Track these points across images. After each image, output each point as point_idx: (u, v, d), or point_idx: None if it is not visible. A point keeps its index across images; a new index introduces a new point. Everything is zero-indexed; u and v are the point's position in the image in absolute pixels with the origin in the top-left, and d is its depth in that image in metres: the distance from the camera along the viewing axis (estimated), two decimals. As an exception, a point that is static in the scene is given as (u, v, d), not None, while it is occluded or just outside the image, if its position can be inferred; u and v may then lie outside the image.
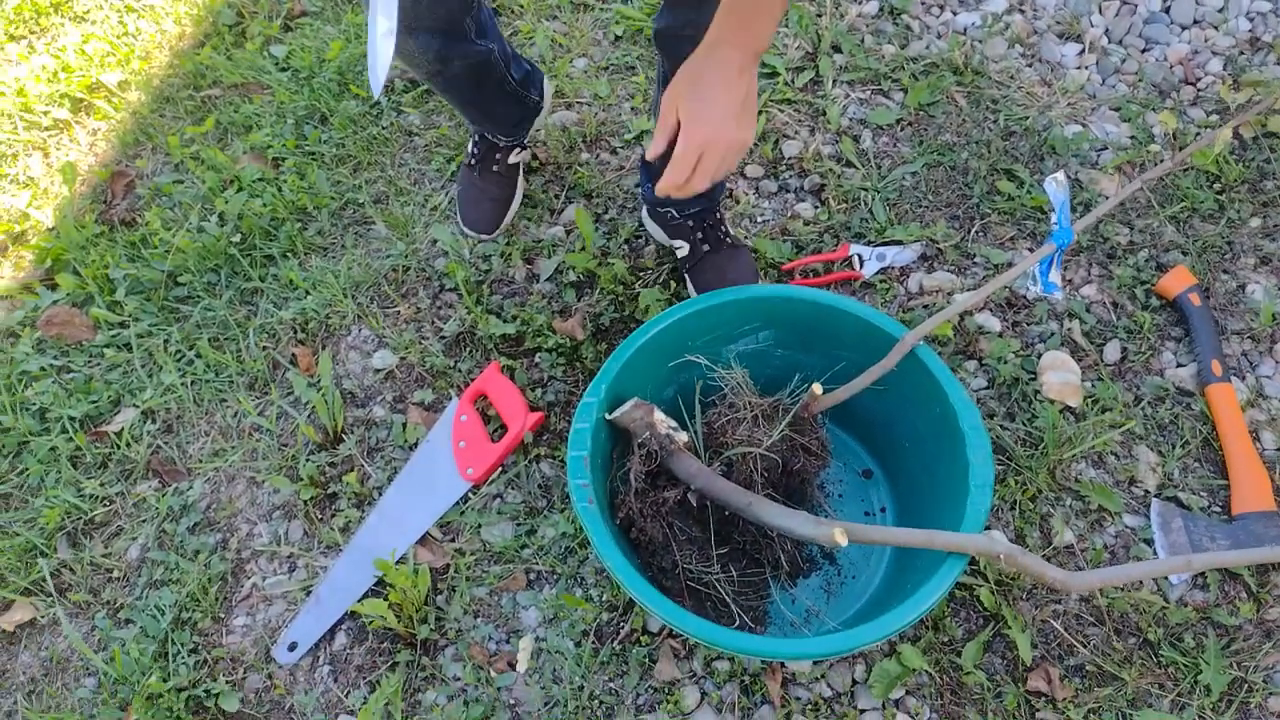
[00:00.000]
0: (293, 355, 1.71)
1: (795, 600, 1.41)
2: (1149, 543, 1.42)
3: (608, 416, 1.26)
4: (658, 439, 1.25)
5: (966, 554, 1.15)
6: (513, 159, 1.81)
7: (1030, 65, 2.06)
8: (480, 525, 1.51)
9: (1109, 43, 2.10)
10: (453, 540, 1.51)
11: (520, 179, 1.85)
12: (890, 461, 1.51)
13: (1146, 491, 1.47)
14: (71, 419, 1.67)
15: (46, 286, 1.89)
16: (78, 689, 1.43)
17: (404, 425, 1.61)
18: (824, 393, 1.33)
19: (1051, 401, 1.55)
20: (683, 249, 1.69)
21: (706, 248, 1.65)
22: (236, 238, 1.87)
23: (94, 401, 1.70)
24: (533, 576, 1.47)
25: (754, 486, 1.32)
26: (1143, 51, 2.08)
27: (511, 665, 1.40)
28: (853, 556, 1.45)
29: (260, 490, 1.59)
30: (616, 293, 1.73)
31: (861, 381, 1.36)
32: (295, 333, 1.74)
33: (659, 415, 1.27)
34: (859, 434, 1.54)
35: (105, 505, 1.60)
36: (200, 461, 1.62)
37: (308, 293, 1.79)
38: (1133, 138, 1.89)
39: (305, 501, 1.56)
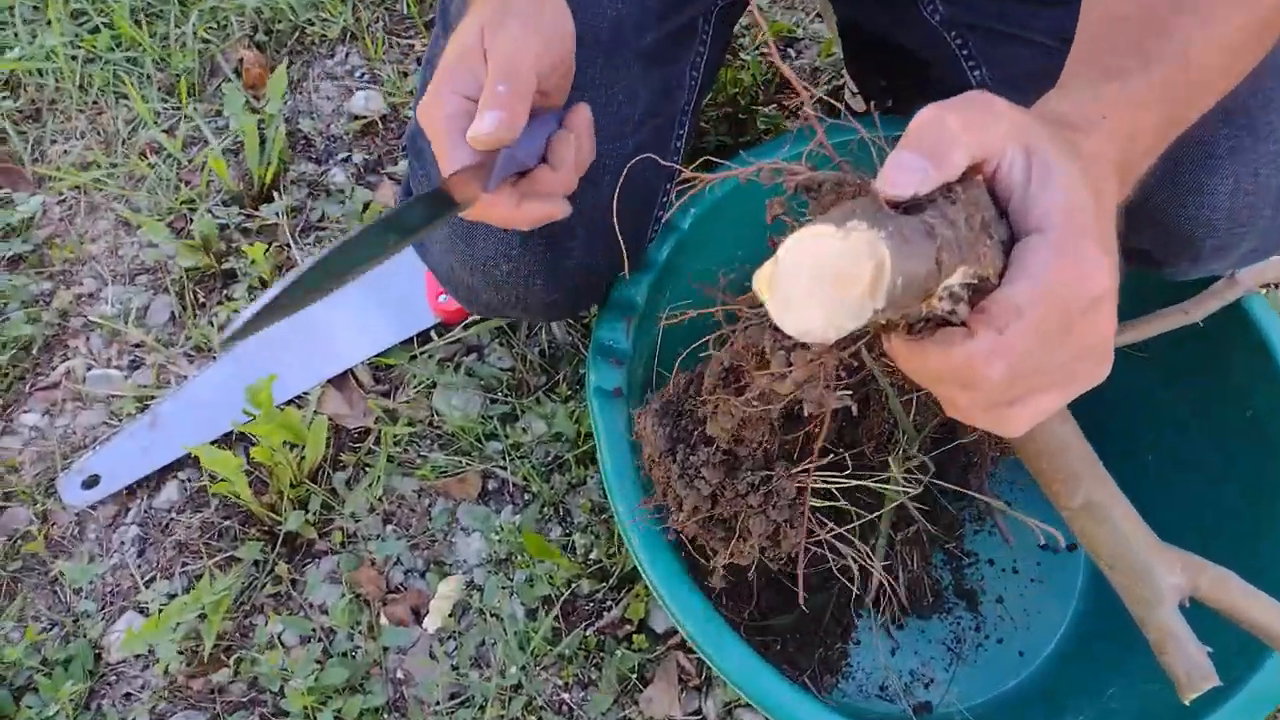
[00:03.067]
0: (240, 60, 1.13)
1: (897, 650, 0.85)
2: None
3: None
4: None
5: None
6: None
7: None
8: (435, 384, 0.94)
9: None
10: (387, 394, 0.95)
11: None
12: (1113, 461, 0.92)
13: None
14: (-102, 60, 1.11)
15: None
16: None
17: (367, 205, 1.04)
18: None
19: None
20: None
21: None
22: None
23: (-59, 46, 1.13)
24: (493, 485, 0.91)
25: (895, 454, 0.75)
26: None
27: (417, 616, 0.85)
28: (1009, 604, 0.88)
29: (129, 237, 1.03)
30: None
31: (1136, 332, 0.78)
32: (254, 31, 1.16)
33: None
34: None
35: (-98, 194, 1.05)
36: (58, 170, 1.06)
37: (293, -16, 1.20)
38: None
39: (185, 271, 1.00)
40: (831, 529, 0.63)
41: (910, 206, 0.35)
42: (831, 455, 0.69)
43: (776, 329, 0.38)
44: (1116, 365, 0.78)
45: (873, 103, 1.06)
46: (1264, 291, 0.79)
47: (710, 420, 0.54)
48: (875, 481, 0.66)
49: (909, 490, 0.69)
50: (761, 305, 0.36)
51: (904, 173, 0.35)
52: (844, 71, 1.11)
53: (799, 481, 0.56)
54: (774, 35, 1.19)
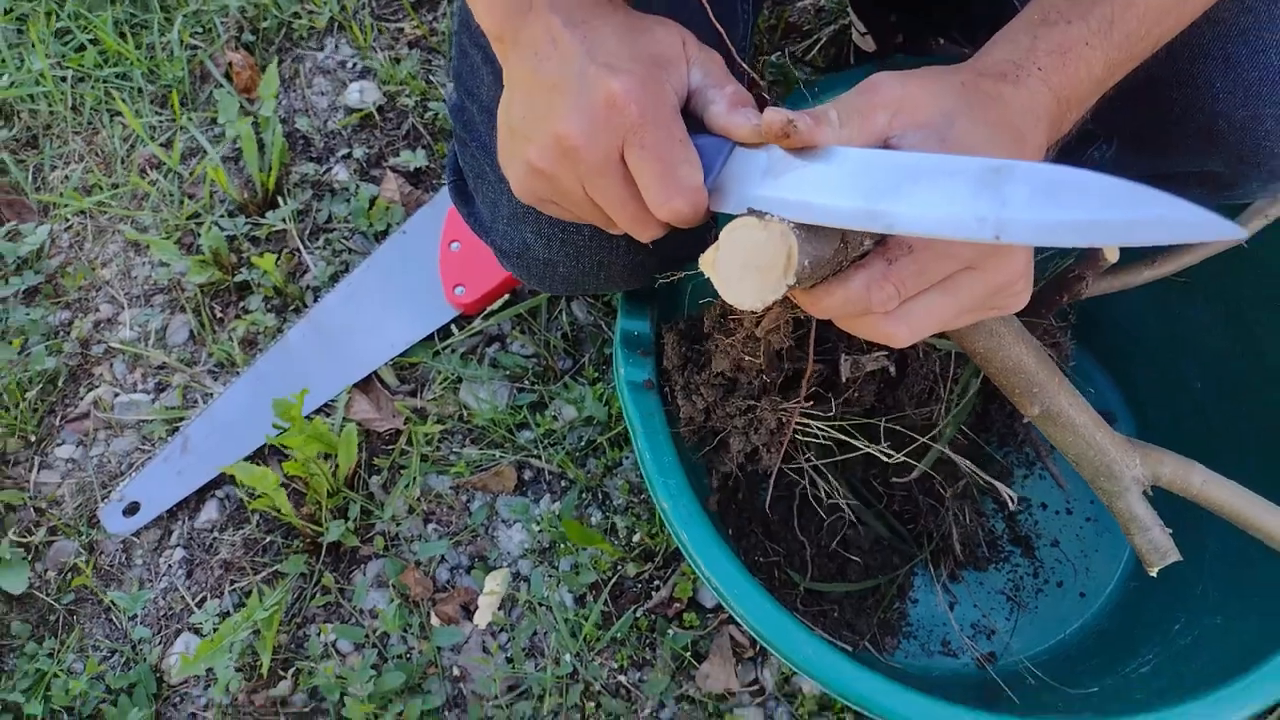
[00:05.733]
0: (229, 64, 1.11)
1: (956, 605, 0.83)
2: None
3: None
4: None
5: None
6: None
7: None
8: (461, 378, 0.93)
9: None
10: (413, 393, 0.94)
11: None
12: (1156, 410, 0.89)
13: None
14: (-109, 100, 1.10)
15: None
16: None
17: (373, 200, 1.02)
18: (1114, 265, 0.70)
19: None
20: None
21: None
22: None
23: (-69, 82, 1.12)
24: (529, 476, 0.90)
25: (936, 409, 0.73)
26: None
27: (467, 613, 0.85)
28: (1065, 547, 0.86)
29: (140, 258, 1.03)
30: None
31: (1178, 260, 0.74)
32: (241, 32, 1.13)
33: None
34: (1109, 355, 0.92)
35: (-87, 237, 1.04)
36: (61, 197, 1.05)
37: (274, -21, 1.17)
38: None
39: (199, 289, 0.99)
40: (810, 459, 0.69)
41: None
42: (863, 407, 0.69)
43: None
44: (1181, 297, 0.76)
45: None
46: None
47: (714, 358, 0.61)
48: (850, 426, 0.67)
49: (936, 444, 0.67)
50: None
51: None
52: (850, 9, 1.06)
53: (779, 415, 0.62)
54: None
